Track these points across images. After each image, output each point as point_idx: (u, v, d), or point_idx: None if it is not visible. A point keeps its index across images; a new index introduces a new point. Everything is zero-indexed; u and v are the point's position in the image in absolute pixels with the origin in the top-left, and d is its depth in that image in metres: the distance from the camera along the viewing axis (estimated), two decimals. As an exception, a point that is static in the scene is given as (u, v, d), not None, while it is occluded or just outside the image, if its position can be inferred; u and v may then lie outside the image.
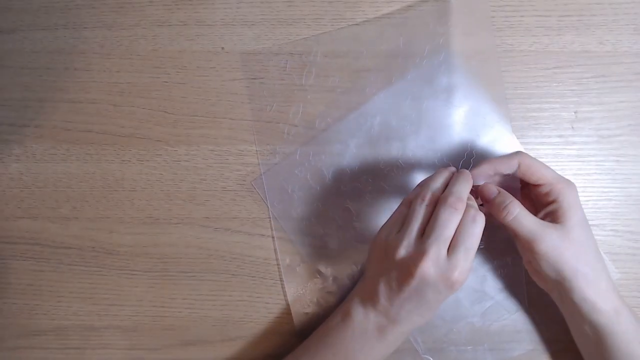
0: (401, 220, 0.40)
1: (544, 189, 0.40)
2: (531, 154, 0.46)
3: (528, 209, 0.39)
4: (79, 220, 0.48)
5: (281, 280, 0.48)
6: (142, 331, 0.48)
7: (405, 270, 0.37)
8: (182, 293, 0.48)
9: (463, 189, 0.38)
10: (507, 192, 0.40)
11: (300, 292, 0.47)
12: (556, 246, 0.38)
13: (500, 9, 0.47)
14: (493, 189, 0.40)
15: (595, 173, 0.47)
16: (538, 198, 0.41)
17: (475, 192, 0.41)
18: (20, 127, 0.49)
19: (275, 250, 0.48)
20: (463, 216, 0.37)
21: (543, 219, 0.40)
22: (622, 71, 0.47)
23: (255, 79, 0.48)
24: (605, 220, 0.47)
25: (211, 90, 0.48)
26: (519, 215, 0.39)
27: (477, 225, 0.37)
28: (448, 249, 0.37)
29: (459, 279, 0.37)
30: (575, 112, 0.47)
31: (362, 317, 0.40)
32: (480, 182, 0.42)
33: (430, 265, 0.36)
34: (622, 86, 0.47)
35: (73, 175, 0.48)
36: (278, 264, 0.48)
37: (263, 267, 0.48)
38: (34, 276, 0.48)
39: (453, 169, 0.42)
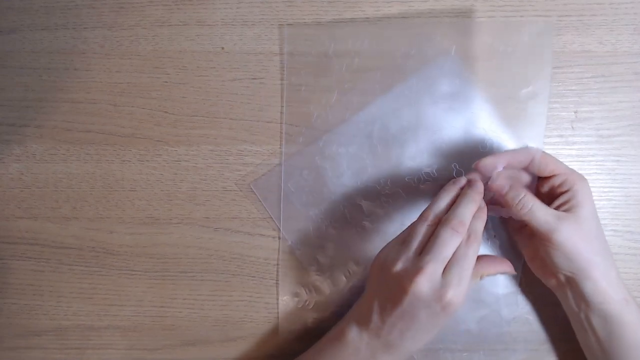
0: (402, 240, 0.40)
1: (557, 180, 0.41)
2: (531, 153, 0.46)
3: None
4: (79, 220, 0.48)
5: (278, 263, 0.48)
6: (142, 331, 0.48)
7: (400, 286, 0.37)
8: (182, 293, 0.48)
9: (467, 210, 0.38)
10: (519, 186, 0.40)
11: (293, 276, 0.47)
12: (571, 236, 0.39)
13: (500, 8, 0.47)
14: (503, 185, 0.40)
15: (595, 173, 0.47)
16: (551, 190, 0.41)
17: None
18: (20, 127, 0.49)
19: (279, 237, 0.48)
20: (466, 239, 0.37)
21: (557, 208, 0.40)
22: (622, 71, 0.47)
23: (255, 79, 0.48)
24: (605, 220, 0.47)
25: (211, 90, 0.48)
26: (533, 208, 0.39)
27: (471, 247, 0.37)
28: (444, 269, 0.37)
29: (453, 300, 0.36)
30: (575, 112, 0.47)
31: (355, 337, 0.40)
32: (491, 172, 0.41)
33: (425, 282, 0.36)
34: (622, 86, 0.47)
35: (73, 176, 0.48)
36: (278, 264, 0.48)
37: (263, 267, 0.48)
38: (33, 276, 0.48)
39: (463, 181, 0.41)
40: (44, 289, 0.48)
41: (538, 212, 0.39)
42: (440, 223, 0.38)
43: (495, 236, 0.46)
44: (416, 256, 0.37)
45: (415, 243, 0.38)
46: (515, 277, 0.46)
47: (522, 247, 0.44)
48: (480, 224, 0.39)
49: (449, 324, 0.46)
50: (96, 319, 0.48)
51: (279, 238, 0.48)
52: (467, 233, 0.38)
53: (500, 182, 0.40)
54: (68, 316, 0.48)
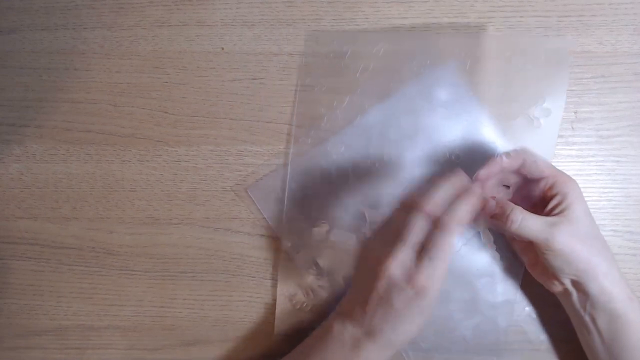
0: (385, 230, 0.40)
1: (547, 183, 0.40)
2: (531, 154, 0.46)
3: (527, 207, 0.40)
4: (79, 220, 0.48)
5: (273, 264, 0.48)
6: (142, 331, 0.48)
7: (375, 272, 0.37)
8: (182, 293, 0.48)
9: (442, 194, 0.38)
10: (506, 201, 0.40)
11: (292, 278, 0.47)
12: (568, 240, 0.38)
13: (500, 9, 0.47)
14: (490, 203, 0.40)
15: (595, 173, 0.47)
16: (542, 193, 0.41)
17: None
18: (20, 127, 0.49)
19: (279, 238, 0.48)
20: (437, 223, 0.37)
21: (549, 212, 0.40)
22: (622, 71, 0.47)
23: (255, 79, 0.48)
24: (605, 221, 0.47)
25: (211, 90, 0.48)
26: (523, 221, 0.38)
27: (447, 234, 0.36)
28: (420, 253, 0.36)
29: (426, 284, 0.36)
30: (575, 112, 0.47)
31: (340, 328, 0.40)
32: (488, 181, 0.41)
33: (395, 265, 0.36)
34: (622, 86, 0.47)
35: (73, 176, 0.48)
36: (275, 264, 0.48)
37: (263, 267, 0.48)
38: (34, 276, 0.48)
39: (458, 177, 0.40)
40: (44, 289, 0.48)
41: (529, 224, 0.38)
42: (411, 211, 0.37)
43: (496, 249, 0.46)
44: (392, 242, 0.37)
45: (393, 230, 0.38)
46: (514, 284, 0.46)
47: (521, 255, 0.44)
48: (464, 209, 0.37)
49: (445, 330, 0.46)
50: (96, 319, 0.48)
51: (279, 238, 0.48)
52: (448, 219, 0.37)
53: (487, 202, 0.40)
54: (68, 316, 0.48)
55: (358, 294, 0.39)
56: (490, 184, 0.43)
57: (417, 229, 0.37)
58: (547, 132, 0.46)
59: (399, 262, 0.36)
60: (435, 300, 0.37)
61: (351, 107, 0.47)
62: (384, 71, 0.47)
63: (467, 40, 0.47)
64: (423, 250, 0.36)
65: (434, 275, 0.36)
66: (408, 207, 0.38)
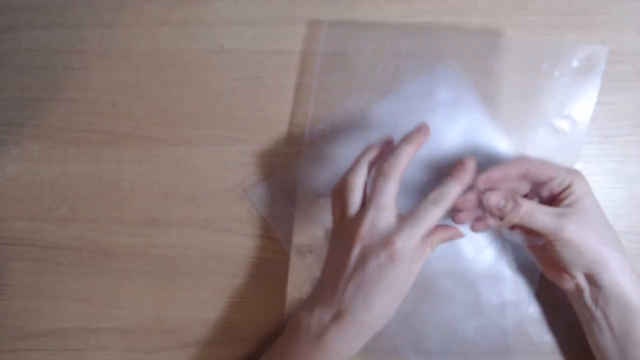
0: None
1: (557, 181, 0.40)
2: (534, 154, 0.46)
3: None
4: (76, 221, 0.48)
5: (268, 263, 0.47)
6: (141, 333, 0.48)
7: (346, 243, 0.37)
8: (181, 295, 0.48)
9: (400, 155, 0.38)
10: (516, 194, 0.39)
11: (301, 274, 0.47)
12: (579, 230, 0.38)
13: (502, 7, 0.47)
14: (498, 196, 0.40)
15: (598, 174, 0.47)
16: (551, 193, 0.41)
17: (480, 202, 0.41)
18: (17, 126, 0.48)
19: (278, 238, 0.47)
20: (426, 197, 0.37)
21: (558, 206, 0.40)
22: (626, 70, 0.46)
23: (255, 78, 0.48)
24: (608, 221, 0.46)
25: (211, 89, 0.48)
26: (533, 212, 0.38)
27: (436, 206, 0.37)
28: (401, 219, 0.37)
29: (404, 247, 0.36)
30: (578, 112, 0.47)
31: (306, 315, 0.39)
32: (492, 186, 0.41)
33: (368, 227, 0.36)
34: (625, 86, 0.46)
35: (71, 176, 0.48)
36: (277, 263, 0.47)
37: (263, 268, 0.47)
38: (31, 278, 0.48)
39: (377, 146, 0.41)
40: (41, 291, 0.48)
41: (540, 215, 0.38)
42: (376, 174, 0.38)
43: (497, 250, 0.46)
44: (358, 209, 0.38)
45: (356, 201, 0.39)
46: (517, 285, 0.46)
47: (531, 252, 0.44)
48: (454, 188, 0.37)
49: (447, 333, 0.46)
50: (94, 321, 0.48)
51: (279, 239, 0.47)
52: (435, 194, 0.37)
53: (495, 198, 0.40)
54: (66, 318, 0.48)
55: (329, 274, 0.39)
56: (495, 193, 0.42)
57: (386, 191, 0.37)
58: (572, 142, 0.46)
59: (370, 223, 0.37)
60: (409, 274, 0.37)
61: (352, 107, 0.47)
62: (386, 70, 0.47)
63: (492, 42, 0.46)
64: (407, 216, 0.37)
65: (410, 241, 0.36)
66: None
